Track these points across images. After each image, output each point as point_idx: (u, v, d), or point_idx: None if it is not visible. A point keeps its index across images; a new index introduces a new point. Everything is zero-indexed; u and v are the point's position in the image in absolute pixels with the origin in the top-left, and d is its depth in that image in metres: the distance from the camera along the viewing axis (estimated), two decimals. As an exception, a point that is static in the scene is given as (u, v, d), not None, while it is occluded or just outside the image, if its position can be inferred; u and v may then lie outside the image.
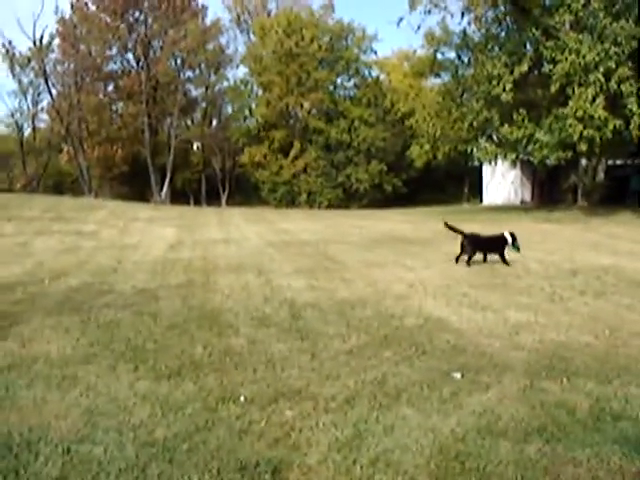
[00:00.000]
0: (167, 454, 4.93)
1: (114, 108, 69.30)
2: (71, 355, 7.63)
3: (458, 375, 6.81)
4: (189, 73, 67.50)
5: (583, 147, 28.54)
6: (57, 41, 64.30)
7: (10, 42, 65.92)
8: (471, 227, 24.87)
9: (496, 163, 37.05)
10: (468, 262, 14.65)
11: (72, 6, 62.06)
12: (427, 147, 40.92)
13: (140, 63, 63.82)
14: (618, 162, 39.21)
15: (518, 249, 15.02)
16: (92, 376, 6.79)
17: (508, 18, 34.31)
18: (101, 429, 5.39)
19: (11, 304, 10.57)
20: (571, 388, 6.40)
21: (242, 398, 6.10)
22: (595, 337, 8.39)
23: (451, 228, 15.47)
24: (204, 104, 69.48)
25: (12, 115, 71.59)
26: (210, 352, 7.64)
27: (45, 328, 8.83)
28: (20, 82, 68.99)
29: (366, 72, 62.48)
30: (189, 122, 71.94)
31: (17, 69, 67.62)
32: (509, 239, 14.95)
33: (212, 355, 7.51)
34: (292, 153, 58.19)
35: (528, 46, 32.75)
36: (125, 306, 10.22)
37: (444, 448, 5.09)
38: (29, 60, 66.50)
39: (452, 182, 59.86)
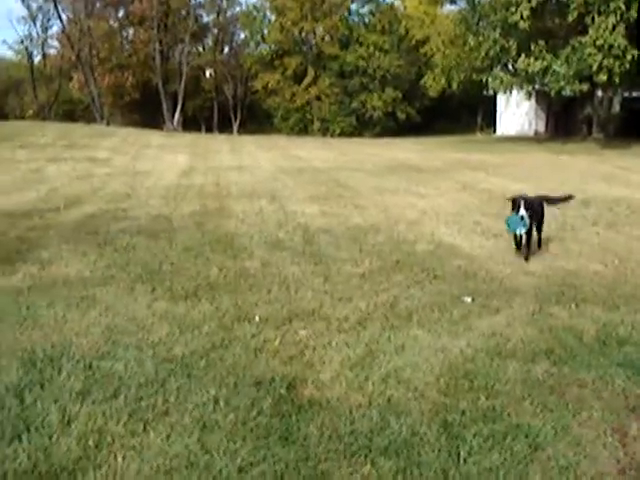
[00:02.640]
0: (185, 370, 5.10)
1: (125, 34, 68.63)
2: (89, 277, 7.79)
3: (469, 299, 6.94)
4: (200, -2, 66.59)
5: (602, 77, 28.15)
6: (67, -36, 63.34)
7: (19, -35, 65.03)
8: (485, 158, 24.85)
9: (511, 93, 36.63)
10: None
11: None
12: (441, 77, 40.39)
13: (151, -13, 62.85)
14: (634, 94, 38.64)
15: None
16: (110, 297, 6.96)
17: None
18: (121, 346, 5.57)
19: (28, 229, 10.71)
20: (579, 314, 6.51)
21: (257, 318, 6.26)
22: (605, 266, 8.48)
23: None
24: (216, 30, 68.64)
25: (22, 42, 71.02)
26: (225, 274, 7.79)
27: (63, 252, 8.98)
28: (29, 7, 68.27)
29: (381, -2, 61.44)
30: (200, 49, 71.19)
31: (26, -6, 66.81)
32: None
33: (227, 277, 7.66)
34: (306, 80, 57.63)
35: (546, -29, 32.01)
36: (140, 231, 10.35)
37: (453, 367, 5.23)
38: (38, -16, 65.62)
39: (466, 112, 59.21)
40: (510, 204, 8.77)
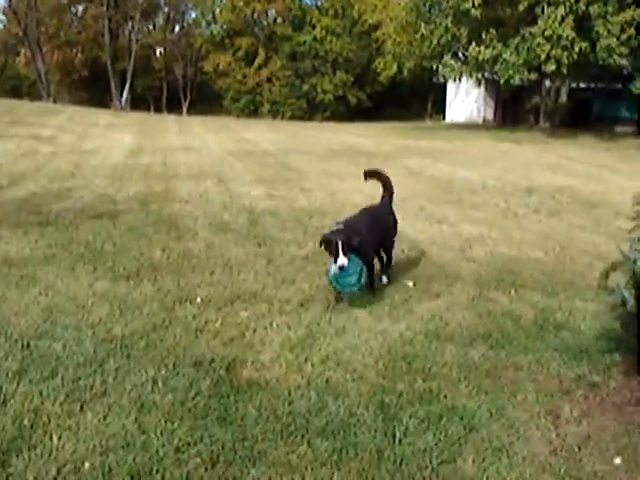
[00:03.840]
0: (125, 350, 5.08)
1: (74, 10, 67.35)
2: (30, 256, 7.67)
3: (410, 283, 7.01)
4: (151, -25, 65.69)
5: (550, 67, 28.54)
6: None
7: None
8: (433, 144, 25.05)
9: (460, 81, 36.95)
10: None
11: None
12: (392, 64, 40.55)
13: (101, -38, 61.79)
14: (582, 85, 39.26)
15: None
16: (51, 276, 6.87)
17: None
18: (60, 326, 5.51)
19: (-32, 206, 10.51)
20: (518, 299, 6.64)
21: (199, 299, 6.25)
22: (545, 253, 8.64)
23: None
24: (167, 8, 67.87)
25: (-33, 14, 69.20)
26: (168, 255, 7.75)
27: (3, 230, 8.81)
28: (-25, -22, 66.57)
29: (334, -20, 61.30)
30: (151, 27, 70.33)
31: (-29, -36, 65.21)
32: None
33: (170, 258, 7.62)
34: (257, 61, 57.39)
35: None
36: (84, 210, 10.22)
37: (392, 350, 5.30)
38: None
39: (416, 98, 59.51)
40: (326, 247, 6.18)
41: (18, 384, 4.47)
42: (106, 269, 7.15)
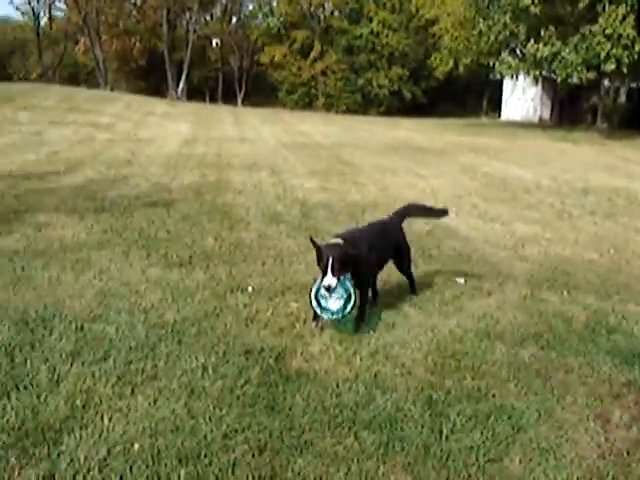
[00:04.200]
0: (176, 336, 5.13)
1: (133, 0, 68.13)
2: (85, 240, 7.81)
3: (461, 280, 6.97)
4: (210, -34, 66.11)
5: (610, 66, 28.09)
6: None
7: None
8: (488, 142, 24.80)
9: (517, 78, 36.52)
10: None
11: None
12: (449, 59, 40.22)
13: (161, -47, 62.37)
14: (642, 85, 38.53)
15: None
16: (105, 261, 6.99)
17: None
18: (113, 310, 5.60)
19: (27, 191, 10.71)
20: (571, 300, 6.55)
21: (250, 289, 6.29)
22: (600, 255, 8.52)
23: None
24: (224, 0, 68.19)
25: (29, 2, 70.40)
26: (221, 244, 7.81)
27: (60, 215, 8.99)
28: (37, -33, 67.66)
29: (392, -25, 60.95)
30: (208, 18, 70.79)
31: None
32: None
33: (222, 247, 7.69)
34: (312, 54, 57.41)
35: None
36: (139, 197, 10.36)
37: (442, 346, 5.27)
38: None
39: (471, 95, 58.97)
40: (317, 258, 5.31)
41: (71, 365, 4.55)
42: (159, 256, 7.24)
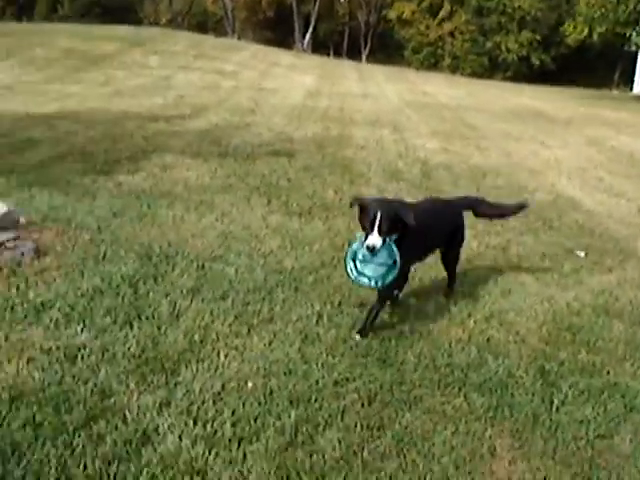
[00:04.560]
0: (293, 282, 5.21)
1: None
2: (209, 183, 7.99)
3: (582, 254, 6.78)
4: None
5: None
6: None
7: None
8: (618, 115, 23.85)
9: (655, 51, 34.90)
10: None
11: None
12: (583, 27, 38.70)
13: None
14: None
15: None
16: (227, 204, 7.14)
17: None
18: (233, 252, 5.72)
19: (154, 133, 11.02)
20: (698, 282, 6.27)
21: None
22: None
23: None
24: (356, -47, 67.53)
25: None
26: (341, 197, 7.83)
27: (185, 157, 9.22)
28: None
29: None
30: (339, -29, 70.29)
31: None
32: None
33: (342, 200, 7.68)
34: (441, 14, 56.26)
35: None
36: (261, 145, 10.49)
37: (558, 318, 5.16)
38: None
39: (603, 66, 56.55)
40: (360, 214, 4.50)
41: (191, 301, 4.70)
42: (280, 204, 7.34)
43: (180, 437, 3.29)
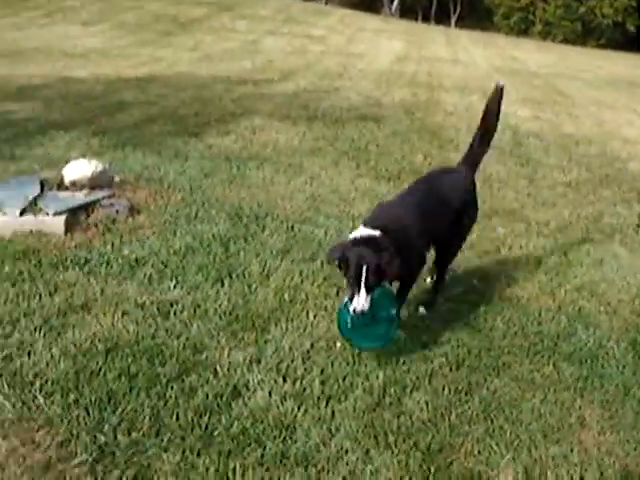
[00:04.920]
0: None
1: None
2: (298, 146, 8.04)
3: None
4: None
5: None
6: None
7: None
8: None
9: None
10: None
11: None
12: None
13: None
14: None
15: None
16: (316, 167, 7.18)
17: None
18: (322, 214, 5.77)
19: (242, 96, 11.10)
20: None
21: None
22: None
23: None
24: None
25: None
26: (430, 162, 7.78)
27: (274, 120, 9.27)
28: None
29: None
30: None
31: None
32: None
33: (431, 165, 7.63)
34: (533, -23, 54.82)
35: None
36: (350, 109, 10.47)
37: (651, 290, 5.05)
38: None
39: None
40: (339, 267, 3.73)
41: (281, 261, 4.76)
42: (368, 168, 7.34)
43: (270, 393, 3.36)
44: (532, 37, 51.50)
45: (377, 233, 3.64)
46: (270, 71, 14.39)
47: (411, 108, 11.19)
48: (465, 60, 21.46)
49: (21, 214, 5.23)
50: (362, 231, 3.71)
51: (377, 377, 3.57)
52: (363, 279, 3.45)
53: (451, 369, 3.74)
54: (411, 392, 3.50)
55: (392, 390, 3.49)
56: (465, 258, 5.13)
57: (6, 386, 3.32)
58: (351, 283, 3.52)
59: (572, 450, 3.22)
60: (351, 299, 3.50)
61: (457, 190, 4.33)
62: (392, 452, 3.06)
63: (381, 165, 7.45)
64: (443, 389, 3.55)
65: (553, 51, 32.48)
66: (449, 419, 3.34)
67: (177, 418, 3.12)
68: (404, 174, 7.19)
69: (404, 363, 3.72)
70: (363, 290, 3.45)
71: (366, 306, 3.45)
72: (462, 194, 4.34)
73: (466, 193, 4.39)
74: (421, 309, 4.28)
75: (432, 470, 2.96)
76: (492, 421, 3.36)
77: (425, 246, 4.09)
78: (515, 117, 11.44)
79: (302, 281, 4.51)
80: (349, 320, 3.58)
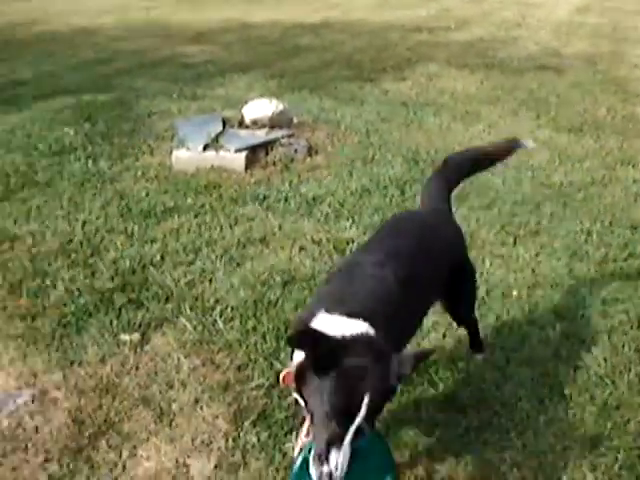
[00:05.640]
0: (561, 198, 5.07)
1: None
2: (475, 94, 7.89)
3: None
4: None
5: None
6: None
7: None
8: None
9: None
10: None
11: None
12: None
13: None
14: None
15: None
16: (494, 116, 7.04)
17: None
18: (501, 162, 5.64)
19: (417, 43, 11.02)
20: None
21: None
22: None
23: None
24: None
25: None
26: (613, 116, 7.41)
27: (450, 67, 9.16)
28: None
29: None
30: None
31: None
32: None
33: (615, 119, 7.29)
34: None
35: None
36: (528, 59, 10.14)
37: None
38: None
39: None
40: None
41: (458, 208, 4.65)
42: (548, 119, 7.11)
43: (444, 335, 3.38)
44: None
45: (365, 327, 2.12)
46: (445, 19, 14.15)
47: (593, 59, 10.67)
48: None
49: (204, 150, 5.46)
50: (338, 323, 2.11)
51: (554, 328, 3.50)
52: (358, 418, 1.92)
53: (632, 327, 3.58)
54: (589, 347, 3.41)
55: (569, 343, 3.41)
56: None
57: (188, 309, 3.52)
58: (322, 422, 1.95)
59: None
60: (320, 455, 1.91)
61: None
62: (567, 404, 3.00)
63: (561, 117, 7.18)
64: (623, 346, 3.42)
65: None
66: (627, 377, 3.21)
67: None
68: (586, 126, 6.89)
69: (582, 317, 3.63)
70: (349, 438, 1.92)
71: (344, 469, 1.91)
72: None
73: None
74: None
75: (608, 426, 2.88)
76: (675, 381, 3.23)
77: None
78: None
79: (478, 228, 4.48)
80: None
